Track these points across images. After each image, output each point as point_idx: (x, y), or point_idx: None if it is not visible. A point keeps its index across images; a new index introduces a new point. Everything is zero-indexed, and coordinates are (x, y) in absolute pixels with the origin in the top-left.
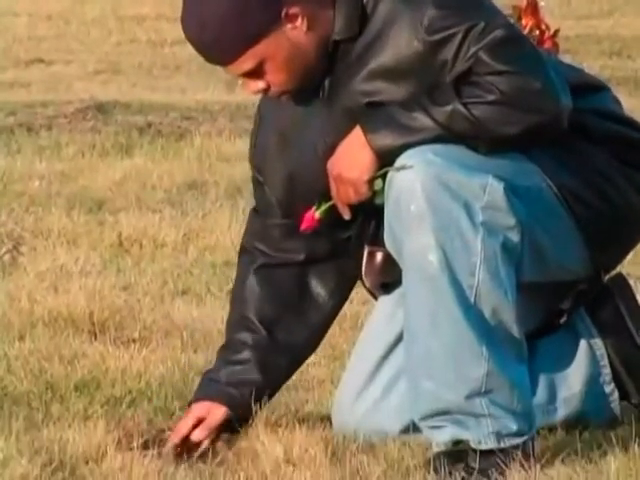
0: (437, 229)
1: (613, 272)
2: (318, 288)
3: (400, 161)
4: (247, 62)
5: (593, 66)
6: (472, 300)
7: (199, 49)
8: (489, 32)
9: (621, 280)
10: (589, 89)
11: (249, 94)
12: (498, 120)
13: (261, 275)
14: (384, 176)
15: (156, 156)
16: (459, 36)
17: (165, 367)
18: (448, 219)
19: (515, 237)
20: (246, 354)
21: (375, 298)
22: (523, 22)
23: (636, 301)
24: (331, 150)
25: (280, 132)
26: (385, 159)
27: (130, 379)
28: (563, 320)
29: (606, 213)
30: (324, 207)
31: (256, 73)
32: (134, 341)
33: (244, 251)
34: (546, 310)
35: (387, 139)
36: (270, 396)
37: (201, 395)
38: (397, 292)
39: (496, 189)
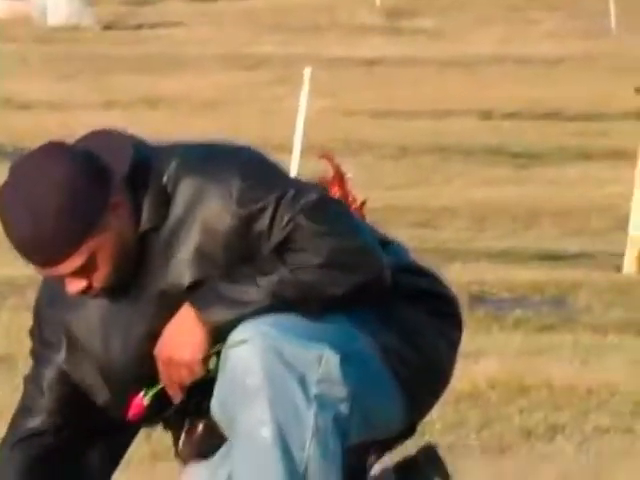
0: (272, 403)
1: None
2: (92, 458)
3: (235, 336)
4: (79, 258)
5: (401, 237)
6: (300, 474)
7: (26, 248)
8: (301, 197)
9: (430, 450)
10: (384, 244)
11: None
12: (325, 282)
13: (34, 437)
14: (218, 353)
15: None
16: (271, 206)
17: None
18: (284, 392)
19: (346, 409)
20: None
21: (185, 464)
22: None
23: (446, 473)
24: (147, 337)
25: (70, 335)
26: (218, 334)
27: None
28: (368, 474)
29: (422, 367)
30: (152, 392)
31: (83, 270)
32: None
33: (18, 413)
34: (353, 467)
35: (219, 314)
36: None
37: None
38: (209, 463)
39: (331, 361)
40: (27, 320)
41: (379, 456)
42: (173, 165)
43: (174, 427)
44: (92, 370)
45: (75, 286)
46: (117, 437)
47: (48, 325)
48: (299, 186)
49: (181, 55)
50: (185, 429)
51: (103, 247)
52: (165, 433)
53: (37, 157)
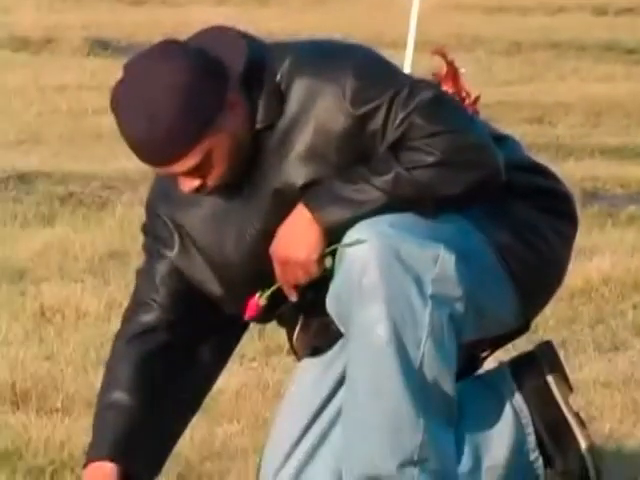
0: (388, 301)
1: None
2: (204, 350)
3: (351, 235)
4: (195, 156)
5: (514, 132)
6: (415, 371)
7: (142, 147)
8: (415, 95)
9: (548, 347)
10: (498, 140)
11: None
12: (442, 181)
13: (149, 331)
14: (333, 252)
15: (78, 226)
16: (385, 105)
17: (88, 437)
18: (399, 292)
19: (461, 307)
20: (126, 404)
21: (299, 359)
22: (443, 89)
23: (563, 369)
24: (262, 235)
25: (185, 234)
26: (334, 235)
27: (53, 449)
28: (479, 363)
29: (536, 265)
30: (269, 292)
31: (198, 169)
32: (57, 411)
33: (132, 305)
34: (464, 357)
35: (334, 215)
36: (164, 445)
37: (86, 460)
38: (322, 359)
39: (447, 261)
40: (140, 215)
41: (493, 351)
42: (287, 63)
43: (289, 324)
44: (205, 268)
45: (189, 184)
46: (228, 333)
47: (160, 221)
48: (413, 84)
49: None
50: (299, 325)
51: (218, 146)
52: (278, 330)
53: (152, 56)
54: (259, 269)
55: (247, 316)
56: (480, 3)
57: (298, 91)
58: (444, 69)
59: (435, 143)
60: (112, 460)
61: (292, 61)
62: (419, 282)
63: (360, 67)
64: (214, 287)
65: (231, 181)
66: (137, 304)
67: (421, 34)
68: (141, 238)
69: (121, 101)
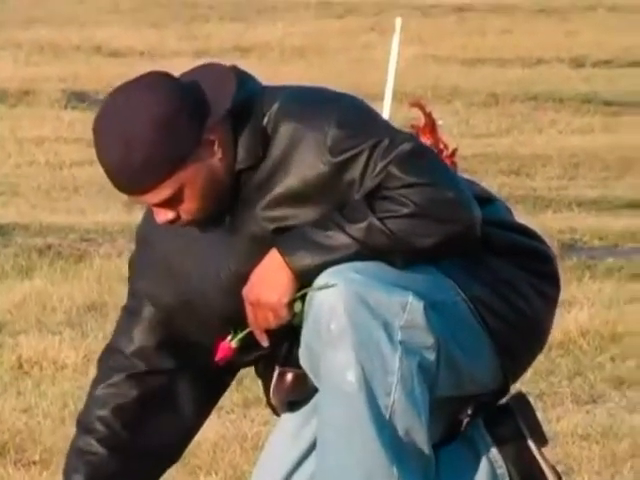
0: (357, 347)
1: (513, 386)
2: (185, 400)
3: (320, 280)
4: (167, 189)
5: (492, 185)
6: (387, 419)
7: (117, 174)
8: (395, 147)
9: (521, 398)
10: (484, 201)
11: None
12: (414, 233)
13: (127, 377)
14: (303, 297)
15: (56, 278)
16: (365, 154)
17: None
18: (368, 337)
19: (432, 356)
20: (98, 449)
21: (277, 415)
22: (422, 141)
23: (537, 419)
24: (236, 277)
25: (165, 259)
26: (304, 279)
27: None
28: (462, 428)
29: (515, 322)
30: (240, 335)
31: (171, 201)
32: (34, 463)
33: (110, 351)
34: (447, 421)
35: (306, 259)
36: None
37: None
38: (302, 411)
39: (416, 308)
40: (118, 267)
41: (475, 413)
42: (275, 107)
43: (265, 376)
44: (181, 302)
45: (163, 216)
46: (210, 384)
47: (146, 248)
48: (394, 135)
49: (272, 3)
50: (275, 378)
51: (192, 181)
52: (256, 381)
53: (137, 85)
54: (232, 310)
55: (218, 358)
56: (458, 55)
57: (283, 135)
58: (422, 121)
59: (410, 194)
60: None
61: (280, 105)
62: (388, 328)
63: (343, 115)
64: (187, 321)
65: (212, 217)
66: (113, 349)
67: (399, 86)
68: (119, 290)
69: (100, 126)
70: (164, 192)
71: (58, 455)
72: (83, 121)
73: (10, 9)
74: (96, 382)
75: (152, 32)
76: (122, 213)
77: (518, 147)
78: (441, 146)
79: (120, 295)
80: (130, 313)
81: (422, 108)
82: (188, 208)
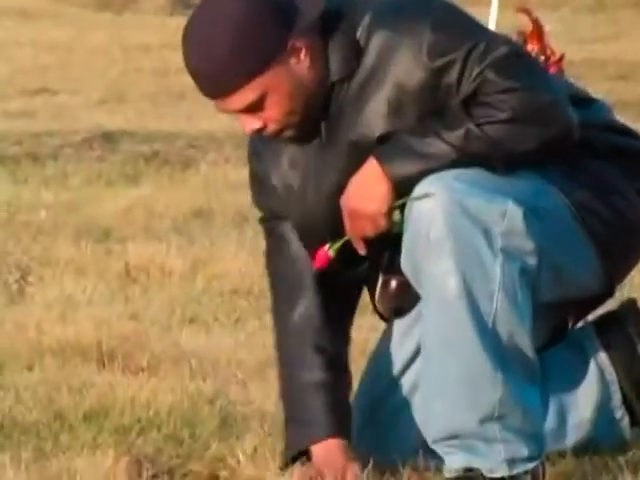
0: (457, 254)
1: (620, 290)
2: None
3: (419, 189)
4: (250, 93)
5: (598, 91)
6: (489, 325)
7: (201, 77)
8: (491, 51)
9: (632, 305)
10: (584, 101)
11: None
12: (512, 137)
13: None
14: (402, 206)
15: (162, 185)
16: (461, 59)
17: (174, 395)
18: (468, 245)
19: (533, 261)
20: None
21: (385, 321)
22: (529, 47)
23: None
24: (337, 188)
25: (282, 176)
26: (403, 188)
27: (139, 408)
28: (568, 333)
29: (618, 225)
30: (338, 244)
31: (255, 108)
32: (142, 370)
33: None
34: (552, 326)
35: (404, 168)
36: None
37: (308, 441)
38: (409, 316)
39: (515, 214)
40: (225, 174)
41: (580, 317)
42: (367, 18)
43: (370, 283)
44: (289, 212)
45: (249, 124)
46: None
47: (265, 185)
48: (490, 39)
49: None
50: (379, 285)
51: (277, 88)
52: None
53: None
54: (334, 220)
55: (315, 266)
56: None
57: (376, 45)
58: (529, 27)
59: (507, 99)
60: (335, 437)
61: (372, 16)
62: (488, 235)
63: (438, 21)
64: (300, 233)
65: (307, 131)
66: (285, 289)
67: None
68: (226, 197)
69: (187, 32)
70: (247, 96)
71: (166, 362)
72: None
73: None
74: (285, 322)
75: None
76: (229, 120)
77: (626, 52)
78: (548, 52)
79: (226, 202)
80: (278, 236)
81: (529, 14)
82: (273, 116)
